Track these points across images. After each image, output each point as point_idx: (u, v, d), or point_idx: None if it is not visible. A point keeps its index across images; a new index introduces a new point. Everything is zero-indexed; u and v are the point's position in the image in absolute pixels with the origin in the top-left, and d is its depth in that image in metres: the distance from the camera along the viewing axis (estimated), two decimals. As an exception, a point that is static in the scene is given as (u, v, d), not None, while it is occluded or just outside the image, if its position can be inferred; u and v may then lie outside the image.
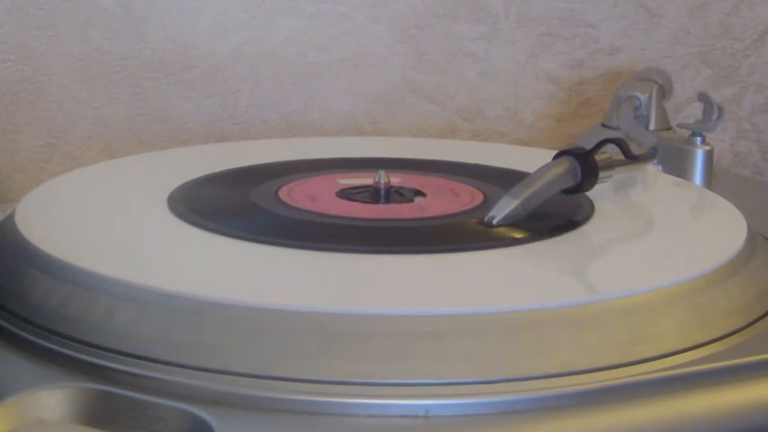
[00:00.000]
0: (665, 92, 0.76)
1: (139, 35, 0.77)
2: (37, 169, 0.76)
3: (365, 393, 0.41)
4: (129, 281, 0.45)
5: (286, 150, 0.68)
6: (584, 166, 0.56)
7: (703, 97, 0.71)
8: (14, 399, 0.41)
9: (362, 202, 0.57)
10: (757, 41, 0.90)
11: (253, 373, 0.41)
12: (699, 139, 0.70)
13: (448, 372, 0.42)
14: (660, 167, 0.70)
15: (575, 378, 0.42)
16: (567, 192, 0.56)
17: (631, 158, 0.60)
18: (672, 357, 0.44)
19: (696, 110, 0.75)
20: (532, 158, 0.58)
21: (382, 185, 0.57)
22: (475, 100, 0.85)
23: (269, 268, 0.48)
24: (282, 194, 0.57)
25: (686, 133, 0.71)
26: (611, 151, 0.59)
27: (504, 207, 0.53)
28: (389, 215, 0.55)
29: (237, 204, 0.56)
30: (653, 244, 0.54)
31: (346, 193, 0.58)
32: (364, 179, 0.59)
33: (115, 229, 0.53)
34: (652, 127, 0.75)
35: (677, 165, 0.70)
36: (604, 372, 0.42)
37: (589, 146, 0.57)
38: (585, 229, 0.54)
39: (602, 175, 0.56)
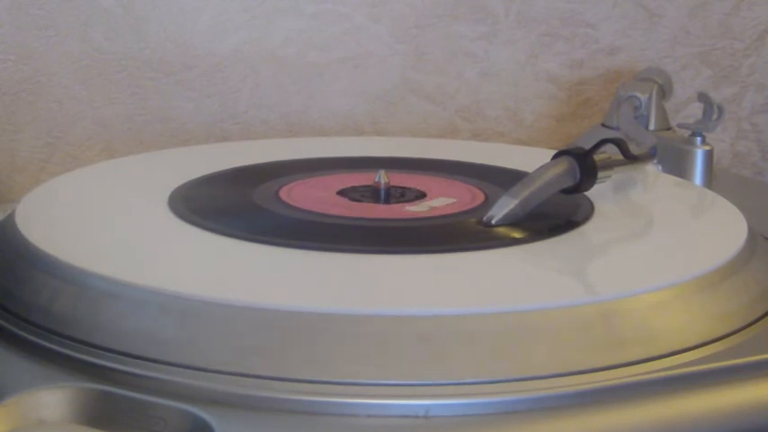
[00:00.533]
0: (665, 92, 0.76)
1: (139, 35, 0.77)
2: (37, 169, 0.76)
3: (365, 393, 0.41)
4: (129, 281, 0.45)
5: (286, 150, 0.68)
6: (583, 165, 0.56)
7: (703, 97, 0.71)
8: (14, 399, 0.41)
9: (362, 202, 0.57)
10: (757, 41, 0.90)
11: (253, 373, 0.41)
12: (699, 139, 0.70)
13: (448, 372, 0.42)
14: (660, 167, 0.70)
15: (575, 378, 0.42)
16: (567, 192, 0.56)
17: (631, 158, 0.60)
18: (672, 357, 0.44)
19: (696, 110, 0.75)
20: (532, 158, 0.58)
21: (382, 185, 0.57)
22: (475, 100, 0.85)
23: (269, 268, 0.48)
24: (283, 194, 0.57)
25: (686, 133, 0.71)
26: (611, 151, 0.59)
27: (503, 207, 0.53)
28: (389, 215, 0.55)
29: (238, 204, 0.56)
30: (653, 244, 0.54)
31: (346, 193, 0.58)
32: (364, 179, 0.59)
33: (115, 229, 0.53)
34: (652, 127, 0.75)
35: (677, 165, 0.70)
36: (604, 372, 0.42)
37: (589, 146, 0.57)
38: (585, 229, 0.54)
39: (600, 174, 0.56)
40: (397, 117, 0.84)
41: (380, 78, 0.83)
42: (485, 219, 0.53)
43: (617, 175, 0.59)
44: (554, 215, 0.54)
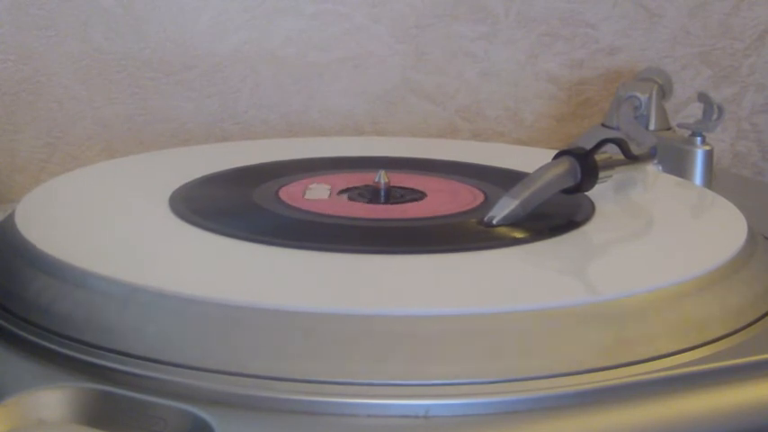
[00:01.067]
0: (665, 92, 0.76)
1: (139, 35, 0.77)
2: (37, 169, 0.76)
3: (365, 393, 0.41)
4: (129, 281, 0.45)
5: (286, 150, 0.68)
6: (584, 165, 0.56)
7: (703, 97, 0.71)
8: (14, 399, 0.41)
9: (362, 202, 0.57)
10: (757, 41, 0.90)
11: (253, 373, 0.41)
12: (699, 139, 0.70)
13: (448, 372, 0.41)
14: (660, 167, 0.70)
15: (575, 378, 0.42)
16: (567, 192, 0.56)
17: (631, 158, 0.60)
18: (672, 357, 0.44)
19: (696, 110, 0.75)
20: (532, 158, 0.58)
21: (382, 185, 0.57)
22: (475, 100, 0.85)
23: (269, 268, 0.48)
24: (283, 194, 0.57)
25: (686, 133, 0.71)
26: (611, 151, 0.59)
27: (504, 207, 0.53)
28: (389, 215, 0.55)
29: (238, 204, 0.56)
30: (653, 244, 0.54)
31: (346, 193, 0.58)
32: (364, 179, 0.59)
33: (115, 229, 0.53)
34: (652, 127, 0.75)
35: (677, 165, 0.70)
36: (604, 372, 0.42)
37: (589, 146, 0.57)
38: (586, 229, 0.54)
39: (601, 175, 0.56)
40: (396, 117, 0.84)
41: (380, 78, 0.83)
42: (485, 219, 0.53)
43: (617, 175, 0.59)
44: (555, 215, 0.54)
